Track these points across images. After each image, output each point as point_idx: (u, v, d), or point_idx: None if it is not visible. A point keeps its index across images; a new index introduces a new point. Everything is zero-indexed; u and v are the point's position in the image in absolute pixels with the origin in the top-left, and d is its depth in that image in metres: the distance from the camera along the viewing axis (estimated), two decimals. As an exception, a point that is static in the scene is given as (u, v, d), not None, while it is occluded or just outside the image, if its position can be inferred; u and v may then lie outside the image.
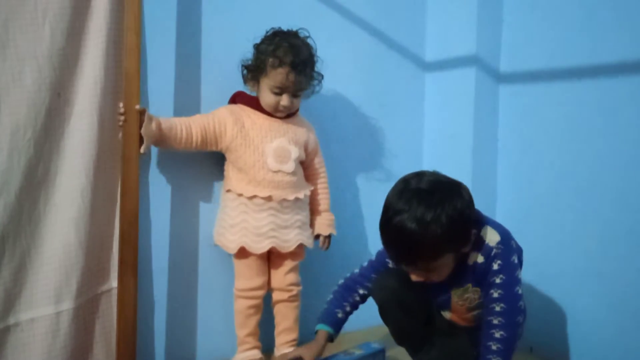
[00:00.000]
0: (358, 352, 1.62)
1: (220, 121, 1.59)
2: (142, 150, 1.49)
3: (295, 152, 1.63)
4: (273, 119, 1.64)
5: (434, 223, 1.23)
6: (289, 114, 1.66)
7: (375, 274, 1.55)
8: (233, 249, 1.61)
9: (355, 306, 1.58)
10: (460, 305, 1.47)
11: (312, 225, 1.74)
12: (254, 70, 1.60)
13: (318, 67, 1.65)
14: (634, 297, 1.60)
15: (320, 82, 1.68)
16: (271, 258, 1.68)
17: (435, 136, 2.12)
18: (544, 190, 1.85)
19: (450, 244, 1.29)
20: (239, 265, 1.65)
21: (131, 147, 1.48)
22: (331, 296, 1.58)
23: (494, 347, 1.34)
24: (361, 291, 1.56)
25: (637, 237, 1.59)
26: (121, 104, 1.47)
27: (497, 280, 1.36)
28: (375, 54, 2.03)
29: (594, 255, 1.69)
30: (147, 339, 1.62)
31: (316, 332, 1.54)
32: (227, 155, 1.63)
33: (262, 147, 1.60)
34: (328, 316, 1.55)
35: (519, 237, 1.46)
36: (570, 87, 1.78)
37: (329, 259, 1.87)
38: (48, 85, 1.37)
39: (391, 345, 1.65)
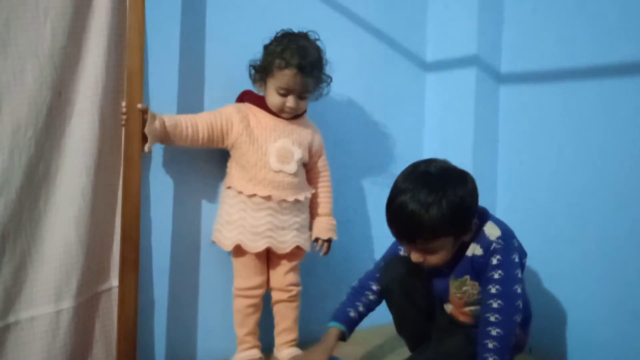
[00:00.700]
0: None
1: (227, 118, 1.59)
2: (146, 149, 1.48)
3: (298, 154, 1.63)
4: (279, 119, 1.64)
5: (434, 205, 1.30)
6: (295, 115, 1.65)
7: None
8: (228, 245, 1.60)
9: (369, 306, 1.57)
10: (458, 298, 1.48)
11: (311, 228, 1.74)
12: (261, 71, 1.60)
13: (327, 69, 1.64)
14: (634, 298, 1.60)
15: (329, 84, 1.67)
16: (270, 258, 1.68)
17: (436, 136, 2.12)
18: (544, 190, 1.86)
19: (449, 227, 1.34)
20: (237, 264, 1.64)
21: (133, 146, 1.47)
22: (344, 297, 1.59)
23: (490, 345, 1.34)
24: (374, 286, 1.57)
25: (637, 237, 1.59)
26: (123, 103, 1.46)
27: (496, 276, 1.38)
28: (376, 54, 2.03)
29: (593, 255, 1.70)
30: (147, 337, 1.62)
31: (327, 330, 1.54)
32: (231, 152, 1.63)
33: (266, 146, 1.60)
34: (340, 314, 1.55)
35: (519, 236, 1.47)
36: (570, 88, 1.78)
37: (330, 260, 1.87)
38: (49, 84, 1.37)
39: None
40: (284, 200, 1.61)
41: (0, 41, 1.31)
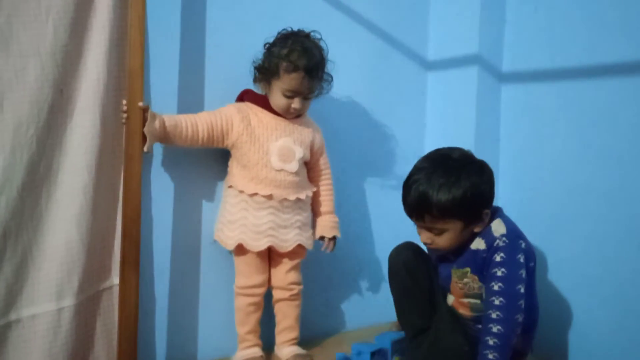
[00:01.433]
0: None
1: (228, 118, 1.59)
2: (145, 148, 1.48)
3: (299, 153, 1.63)
4: (280, 118, 1.63)
5: (445, 186, 1.37)
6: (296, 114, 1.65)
7: None
8: (231, 245, 1.61)
9: None
10: (459, 288, 1.50)
11: (314, 226, 1.74)
12: (265, 73, 1.59)
13: (328, 68, 1.65)
14: (635, 297, 1.60)
15: (330, 83, 1.68)
16: (271, 256, 1.68)
17: (438, 135, 2.12)
18: (545, 189, 1.86)
19: (458, 211, 1.38)
20: (239, 262, 1.65)
21: (134, 145, 1.47)
22: None
23: (491, 342, 1.36)
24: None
25: (637, 236, 1.59)
26: (124, 101, 1.46)
27: (499, 273, 1.39)
28: (378, 52, 2.03)
29: (594, 254, 1.69)
30: (148, 336, 1.62)
31: None
32: (232, 152, 1.63)
33: (267, 145, 1.60)
34: None
35: (519, 236, 1.48)
36: (572, 87, 1.78)
37: (332, 259, 1.87)
38: (51, 82, 1.37)
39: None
40: (286, 199, 1.61)
41: (2, 39, 1.31)
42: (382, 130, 2.06)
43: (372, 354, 1.56)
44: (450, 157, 1.43)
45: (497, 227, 1.43)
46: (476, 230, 1.44)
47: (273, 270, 1.69)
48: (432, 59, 2.14)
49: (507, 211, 1.88)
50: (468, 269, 1.46)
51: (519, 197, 1.94)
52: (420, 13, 2.11)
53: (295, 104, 1.58)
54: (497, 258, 1.40)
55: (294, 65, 1.53)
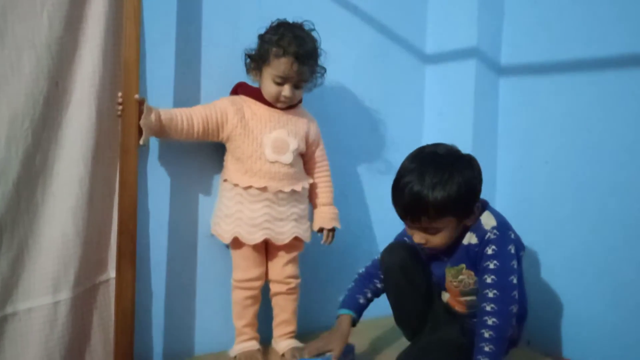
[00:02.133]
0: None
1: (222, 111, 1.59)
2: (141, 141, 1.48)
3: (294, 144, 1.63)
4: (273, 110, 1.63)
5: (439, 185, 1.34)
6: (290, 105, 1.65)
7: None
8: (227, 238, 1.61)
9: (376, 293, 1.60)
10: (454, 286, 1.49)
11: (312, 218, 1.74)
12: (257, 60, 1.59)
13: (321, 60, 1.64)
14: (631, 291, 1.60)
15: (322, 75, 1.67)
16: (269, 250, 1.68)
17: (435, 128, 2.11)
18: (543, 183, 1.85)
19: (453, 208, 1.36)
20: (236, 256, 1.64)
21: (130, 138, 1.47)
22: (352, 284, 1.62)
23: (486, 335, 1.35)
24: (382, 275, 1.59)
25: (636, 230, 1.59)
26: (120, 94, 1.46)
27: (491, 266, 1.38)
28: (376, 45, 2.02)
29: (592, 249, 1.70)
30: (144, 329, 1.62)
31: (338, 317, 1.56)
32: (227, 145, 1.63)
33: (261, 137, 1.59)
34: (350, 301, 1.58)
35: (517, 230, 1.48)
36: (571, 80, 1.78)
37: (329, 252, 1.87)
38: (46, 74, 1.36)
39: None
40: (281, 191, 1.60)
41: (-3, 31, 1.30)
42: (381, 124, 2.05)
43: None
44: (437, 154, 1.40)
45: (487, 220, 1.42)
46: (468, 224, 1.43)
47: (270, 264, 1.68)
48: (430, 53, 2.13)
49: (504, 205, 1.90)
50: (463, 265, 1.46)
51: (517, 190, 1.94)
52: (418, 6, 2.11)
53: (286, 91, 1.58)
54: (489, 251, 1.39)
55: (284, 50, 1.53)
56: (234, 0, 1.71)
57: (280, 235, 1.63)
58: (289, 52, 1.53)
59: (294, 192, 1.63)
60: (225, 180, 1.63)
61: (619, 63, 1.65)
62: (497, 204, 1.98)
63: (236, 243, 1.62)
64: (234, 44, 1.65)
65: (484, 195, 1.45)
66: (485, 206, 1.46)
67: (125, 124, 1.46)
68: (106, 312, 1.52)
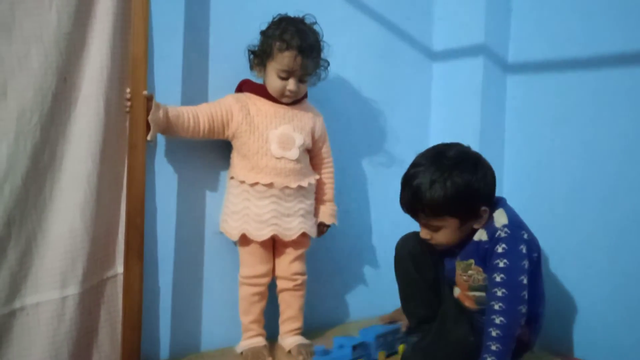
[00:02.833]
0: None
1: (227, 109, 1.59)
2: (149, 137, 1.48)
3: (300, 140, 1.63)
4: (279, 106, 1.63)
5: (437, 183, 1.37)
6: (295, 101, 1.65)
7: None
8: (235, 235, 1.61)
9: None
10: (464, 280, 1.49)
11: (316, 214, 1.74)
12: (260, 55, 1.59)
13: (324, 53, 1.64)
14: (636, 288, 1.59)
15: (326, 68, 1.67)
16: (276, 246, 1.68)
17: (442, 126, 2.11)
18: (551, 180, 1.85)
19: (451, 208, 1.39)
20: (243, 252, 1.65)
21: (137, 134, 1.47)
22: None
23: (493, 334, 1.35)
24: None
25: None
26: (128, 90, 1.46)
27: (501, 264, 1.38)
28: (383, 42, 2.02)
29: (602, 247, 1.69)
30: (152, 325, 1.63)
31: None
32: (233, 143, 1.63)
33: (267, 133, 1.59)
34: None
35: (525, 227, 1.47)
36: (578, 78, 1.77)
37: (334, 248, 1.87)
38: (54, 70, 1.36)
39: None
40: (287, 187, 1.60)
41: (4, 26, 1.30)
42: (387, 121, 2.05)
43: (354, 347, 1.54)
44: (445, 154, 1.42)
45: (499, 218, 1.42)
46: (475, 226, 1.43)
47: (277, 260, 1.68)
48: (437, 49, 2.12)
49: (512, 202, 1.88)
50: (472, 261, 1.46)
51: (524, 187, 1.94)
52: (425, 3, 2.10)
53: (290, 85, 1.58)
54: (499, 249, 1.39)
55: (287, 43, 1.53)
56: (242, -4, 1.71)
57: (288, 232, 1.62)
58: (293, 46, 1.53)
59: (300, 187, 1.63)
60: (232, 178, 1.63)
61: (628, 60, 1.64)
62: (504, 200, 1.98)
63: (244, 240, 1.62)
64: (243, 40, 1.65)
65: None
66: (500, 203, 1.46)
67: (133, 120, 1.46)
68: (114, 308, 1.52)
